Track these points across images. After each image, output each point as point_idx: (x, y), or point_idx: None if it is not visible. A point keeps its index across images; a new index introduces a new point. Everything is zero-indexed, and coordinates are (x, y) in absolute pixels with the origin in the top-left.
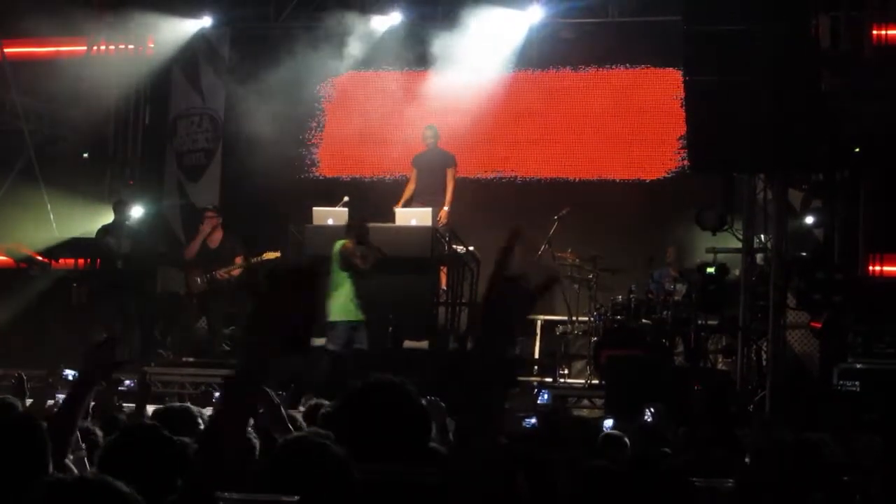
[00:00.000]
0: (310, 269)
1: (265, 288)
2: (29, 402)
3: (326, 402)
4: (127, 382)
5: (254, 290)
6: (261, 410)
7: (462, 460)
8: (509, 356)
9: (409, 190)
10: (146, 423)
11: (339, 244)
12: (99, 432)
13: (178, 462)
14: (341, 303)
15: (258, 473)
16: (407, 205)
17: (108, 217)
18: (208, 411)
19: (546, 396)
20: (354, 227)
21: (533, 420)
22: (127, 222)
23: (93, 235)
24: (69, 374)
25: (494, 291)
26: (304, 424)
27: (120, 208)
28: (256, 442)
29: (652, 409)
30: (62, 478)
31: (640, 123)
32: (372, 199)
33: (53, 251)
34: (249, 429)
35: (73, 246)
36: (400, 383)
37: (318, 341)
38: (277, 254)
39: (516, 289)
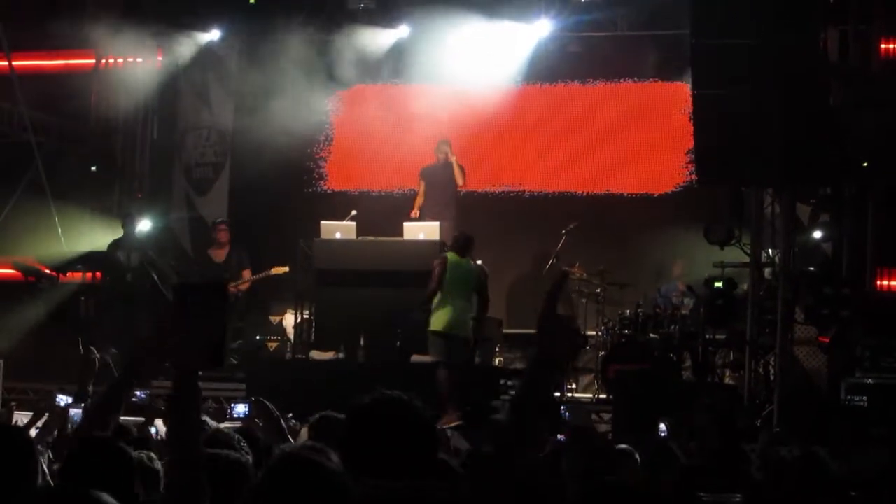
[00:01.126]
0: (218, 284)
1: (172, 301)
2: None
3: (335, 415)
4: (138, 393)
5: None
6: (260, 423)
7: (477, 486)
8: (552, 396)
9: (420, 202)
10: (100, 435)
11: (478, 265)
12: None
13: (131, 474)
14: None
15: (253, 489)
16: (420, 213)
17: (115, 230)
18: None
19: (567, 414)
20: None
21: (561, 436)
22: (135, 235)
23: (102, 249)
24: (61, 399)
25: (545, 330)
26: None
27: (129, 221)
28: (249, 457)
29: (665, 424)
30: (47, 487)
31: (647, 137)
32: (380, 212)
33: (61, 264)
34: (242, 444)
35: (82, 259)
36: (408, 399)
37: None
38: (286, 268)
39: (566, 329)
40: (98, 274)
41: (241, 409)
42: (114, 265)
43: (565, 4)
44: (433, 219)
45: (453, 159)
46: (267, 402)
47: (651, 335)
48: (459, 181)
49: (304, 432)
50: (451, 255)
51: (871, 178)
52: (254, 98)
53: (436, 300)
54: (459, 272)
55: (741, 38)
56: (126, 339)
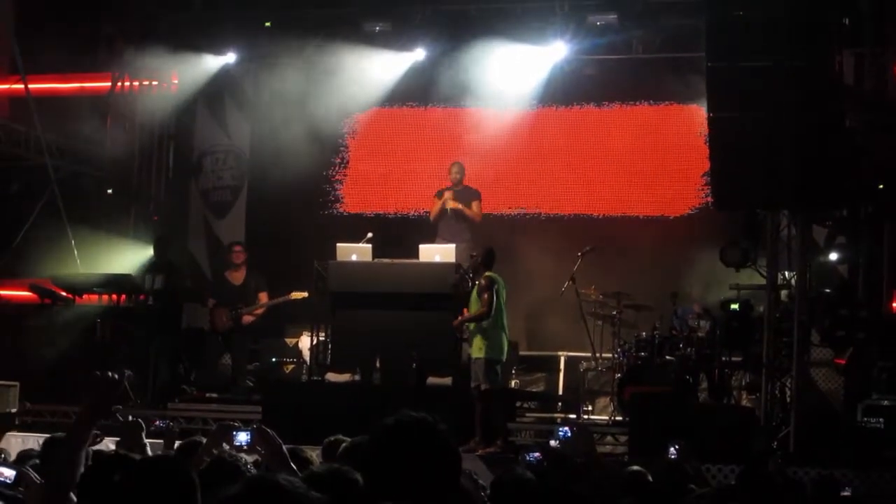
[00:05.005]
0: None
1: None
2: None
3: (347, 439)
4: (157, 423)
5: None
6: (262, 451)
7: None
8: None
9: (435, 213)
10: (164, 455)
11: None
12: None
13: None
14: None
15: None
16: (436, 236)
17: (131, 253)
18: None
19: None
20: None
21: (537, 454)
22: (164, 259)
23: (116, 272)
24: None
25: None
26: (315, 461)
27: (160, 244)
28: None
29: (676, 446)
30: None
31: (663, 160)
32: (396, 235)
33: (77, 287)
34: (250, 466)
35: (98, 282)
36: (433, 421)
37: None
38: (305, 293)
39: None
40: (123, 297)
41: (242, 437)
42: (133, 288)
43: (581, 27)
44: (448, 243)
45: (454, 206)
46: (268, 430)
47: (667, 357)
48: (475, 220)
49: (314, 457)
50: (493, 275)
51: (887, 200)
52: (270, 121)
53: (486, 324)
54: (504, 291)
55: (757, 62)
56: (143, 362)
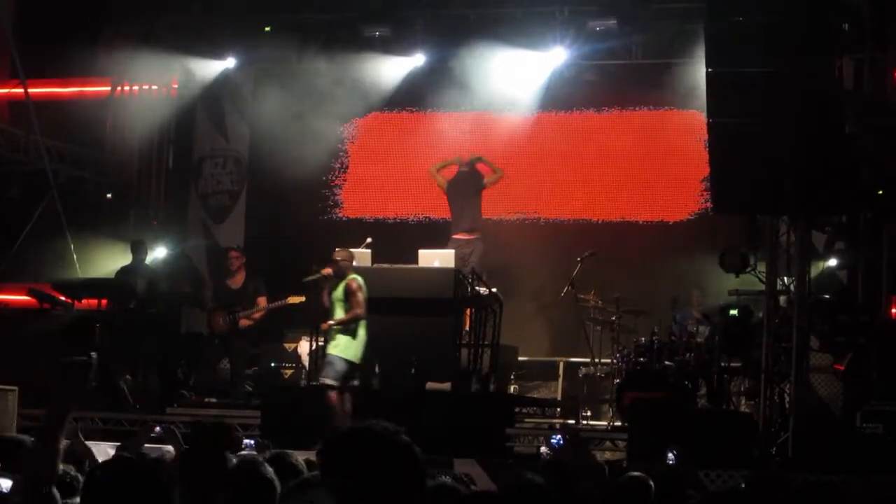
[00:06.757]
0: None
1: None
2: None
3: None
4: (157, 429)
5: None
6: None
7: None
8: None
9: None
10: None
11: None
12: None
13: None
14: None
15: None
16: (450, 228)
17: (129, 258)
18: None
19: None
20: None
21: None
22: (144, 263)
23: (109, 276)
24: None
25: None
26: (303, 466)
27: (139, 249)
28: (278, 483)
29: (674, 452)
30: None
31: (663, 165)
32: (395, 240)
33: (76, 291)
34: (267, 467)
35: (97, 286)
36: (392, 431)
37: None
38: (302, 298)
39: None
40: (104, 301)
41: None
42: (123, 292)
43: (581, 33)
44: (464, 232)
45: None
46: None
47: (666, 363)
48: (495, 174)
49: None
50: (359, 276)
51: (887, 205)
52: (269, 126)
53: (354, 326)
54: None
55: (756, 67)
56: (135, 366)
